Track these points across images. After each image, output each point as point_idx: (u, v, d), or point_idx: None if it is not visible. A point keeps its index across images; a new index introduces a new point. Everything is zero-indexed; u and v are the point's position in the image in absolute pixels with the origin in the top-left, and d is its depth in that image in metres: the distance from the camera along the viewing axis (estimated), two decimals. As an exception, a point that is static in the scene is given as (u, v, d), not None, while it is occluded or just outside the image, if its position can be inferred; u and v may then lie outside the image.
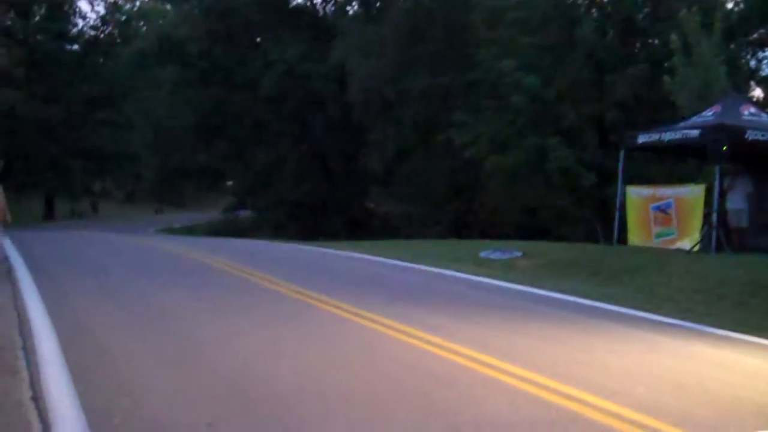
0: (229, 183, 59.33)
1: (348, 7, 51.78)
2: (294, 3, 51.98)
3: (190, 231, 49.78)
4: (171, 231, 48.94)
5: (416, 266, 15.67)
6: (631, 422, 5.04)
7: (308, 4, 51.86)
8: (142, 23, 64.65)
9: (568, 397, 5.61)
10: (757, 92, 33.79)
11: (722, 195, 16.12)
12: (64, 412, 5.04)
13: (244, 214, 53.56)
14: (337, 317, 8.91)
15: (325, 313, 9.19)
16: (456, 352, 6.97)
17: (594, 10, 31.20)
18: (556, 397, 5.63)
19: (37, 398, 5.34)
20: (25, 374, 5.96)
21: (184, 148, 54.45)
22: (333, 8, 51.95)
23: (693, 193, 16.38)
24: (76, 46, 61.93)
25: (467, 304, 10.85)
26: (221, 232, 45.24)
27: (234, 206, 54.24)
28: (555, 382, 6.01)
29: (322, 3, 52.10)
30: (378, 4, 47.09)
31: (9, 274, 12.15)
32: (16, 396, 5.38)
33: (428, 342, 7.41)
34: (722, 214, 15.51)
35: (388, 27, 39.50)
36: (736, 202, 16.04)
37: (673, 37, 20.80)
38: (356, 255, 18.48)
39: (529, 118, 29.19)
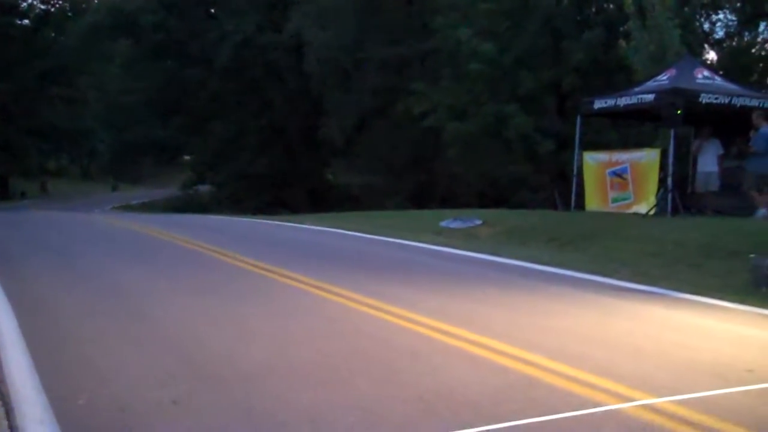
0: (187, 158, 58.82)
1: (303, -24, 51.19)
2: (248, -27, 51.32)
3: (148, 207, 49.36)
4: (128, 208, 48.47)
5: (377, 237, 15.71)
6: (590, 385, 5.10)
7: (263, -27, 51.24)
8: (93, -4, 63.41)
9: (527, 362, 5.67)
10: (711, 55, 34.18)
11: (694, 159, 16.34)
12: (27, 393, 5.00)
13: (204, 189, 53.13)
14: (299, 290, 8.90)
15: (287, 287, 9.18)
16: (417, 322, 7.01)
17: (549, -24, 31.19)
18: (515, 362, 5.68)
19: (0, 382, 5.28)
20: (-17, 358, 5.89)
21: (140, 123, 53.85)
22: (288, -22, 51.36)
23: (648, 158, 16.55)
24: (26, 21, 60.72)
25: (427, 274, 10.90)
26: (180, 208, 44.94)
27: (193, 181, 53.76)
28: (514, 347, 6.07)
29: (276, -28, 51.51)
30: (333, -27, 46.63)
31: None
32: (-26, 380, 5.32)
33: (390, 313, 7.44)
34: (678, 177, 15.71)
35: (343, -4, 39.22)
36: (706, 164, 16.20)
37: (628, 1, 20.94)
38: (317, 228, 18.48)
39: (487, 86, 29.28)
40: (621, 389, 5.03)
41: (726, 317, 7.83)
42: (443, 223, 17.09)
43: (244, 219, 24.40)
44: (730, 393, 5.05)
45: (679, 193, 15.48)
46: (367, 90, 38.31)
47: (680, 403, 4.76)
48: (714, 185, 16.16)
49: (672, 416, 4.55)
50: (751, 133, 14.74)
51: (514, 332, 6.70)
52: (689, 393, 4.96)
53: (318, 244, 15.18)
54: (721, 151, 16.18)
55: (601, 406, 4.70)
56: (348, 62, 38.47)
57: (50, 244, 15.07)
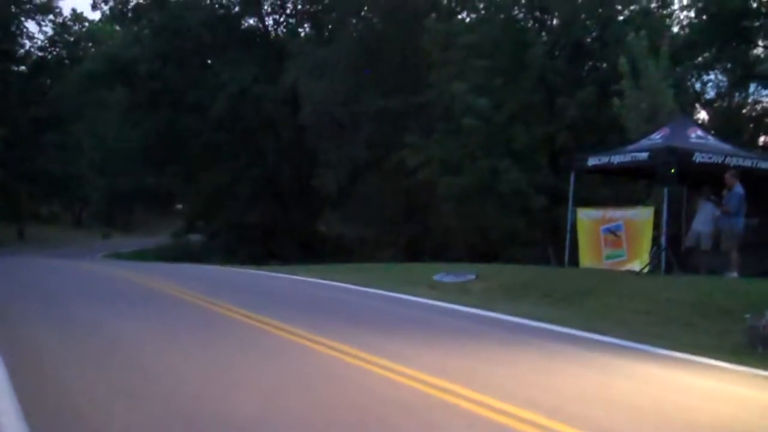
0: (180, 206, 58.76)
1: (300, 29, 51.84)
2: (245, 25, 51.94)
3: (139, 256, 49.11)
4: (119, 256, 48.24)
5: (371, 290, 15.64)
6: (590, 447, 5.04)
7: (260, 26, 51.86)
8: (90, 44, 63.98)
9: (525, 421, 5.61)
10: (702, 114, 34.59)
11: (688, 216, 16.37)
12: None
13: (195, 238, 52.99)
14: (293, 344, 8.82)
15: (281, 340, 9.10)
16: (414, 378, 6.93)
17: (544, 34, 31.65)
18: (514, 421, 5.62)
19: (-13, 432, 5.19)
20: (-28, 408, 5.79)
21: (134, 171, 53.93)
22: (284, 30, 51.97)
23: (642, 216, 16.61)
24: (23, 67, 61.08)
25: (423, 329, 10.83)
26: (171, 257, 44.74)
27: (184, 230, 53.63)
28: (512, 406, 6.00)
29: (273, 25, 52.19)
30: (330, 27, 47.23)
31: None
32: (-37, 430, 5.22)
33: (386, 368, 7.36)
34: (671, 235, 15.74)
35: (340, 49, 39.62)
36: (700, 223, 16.18)
37: (622, 60, 21.23)
38: (310, 279, 18.42)
39: (481, 140, 29.45)
40: (622, 451, 4.97)
41: (724, 378, 7.79)
42: (437, 277, 17.05)
43: (236, 269, 24.31)
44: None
45: (673, 252, 15.50)
46: (361, 142, 38.49)
47: (682, 466, 4.71)
48: (706, 245, 16.17)
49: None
50: (724, 193, 14.87)
51: (513, 390, 6.63)
52: (690, 456, 4.91)
53: (312, 297, 15.10)
54: (717, 212, 16.22)
55: (603, 467, 4.64)
56: (343, 115, 38.70)
57: (42, 291, 14.95)
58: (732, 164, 15.69)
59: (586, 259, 17.45)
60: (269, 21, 51.97)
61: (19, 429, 5.24)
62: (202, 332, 9.67)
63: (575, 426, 5.48)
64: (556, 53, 31.62)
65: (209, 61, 50.28)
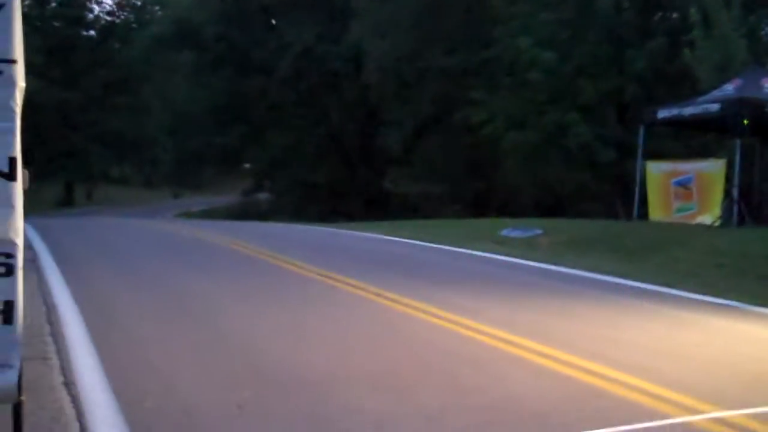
0: (247, 166, 59.39)
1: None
2: (309, -16, 51.77)
3: (208, 215, 49.97)
4: (189, 215, 49.15)
5: (437, 246, 15.69)
6: (659, 398, 5.04)
7: (323, -16, 51.65)
8: (157, 8, 64.61)
9: (594, 373, 5.63)
10: (778, 64, 33.47)
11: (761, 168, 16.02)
12: (96, 396, 5.10)
13: (263, 197, 53.60)
14: (360, 298, 8.95)
15: (348, 295, 9.23)
16: (479, 331, 6.99)
17: (612, -16, 30.89)
18: (582, 373, 5.64)
19: (69, 383, 5.40)
20: (55, 360, 6.03)
21: (202, 132, 54.55)
22: (348, -12, 51.69)
23: (714, 168, 16.30)
24: (92, 32, 62.11)
25: (489, 283, 10.86)
26: (240, 215, 45.37)
27: (252, 189, 54.28)
28: (579, 359, 6.02)
29: (337, -17, 51.86)
30: (393, -16, 46.81)
31: (33, 262, 12.25)
32: (48, 381, 5.45)
33: (451, 321, 7.44)
34: (744, 187, 15.42)
35: (403, 6, 39.28)
36: None
37: (693, 10, 20.67)
38: (377, 236, 18.53)
39: (547, 95, 29.06)
40: (690, 402, 4.96)
41: (796, 331, 7.68)
42: (503, 232, 17.01)
43: (303, 226, 24.57)
44: (802, 407, 4.95)
45: (745, 204, 15.19)
46: (425, 99, 38.31)
47: (752, 417, 4.68)
48: None
49: (743, 430, 4.48)
50: None
51: (580, 343, 6.64)
52: (761, 406, 4.88)
53: (380, 253, 15.21)
54: None
55: (670, 418, 4.64)
56: (406, 72, 38.52)
57: (116, 249, 15.35)
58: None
59: (655, 212, 17.22)
60: (333, -21, 51.78)
61: (98, 382, 5.44)
62: (271, 287, 9.86)
63: (643, 378, 5.47)
64: (625, 4, 30.88)
65: (273, 22, 50.45)
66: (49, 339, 6.71)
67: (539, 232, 16.56)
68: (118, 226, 24.26)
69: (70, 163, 54.90)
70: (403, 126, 39.90)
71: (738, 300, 9.16)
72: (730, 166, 15.60)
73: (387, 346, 6.61)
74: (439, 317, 7.66)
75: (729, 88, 16.40)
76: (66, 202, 56.47)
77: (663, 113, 17.35)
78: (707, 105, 16.14)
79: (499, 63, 32.13)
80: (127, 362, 6.00)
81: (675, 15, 29.68)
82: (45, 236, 16.17)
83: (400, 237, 17.74)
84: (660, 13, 31.56)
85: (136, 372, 5.72)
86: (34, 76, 50.17)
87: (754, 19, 25.64)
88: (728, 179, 15.48)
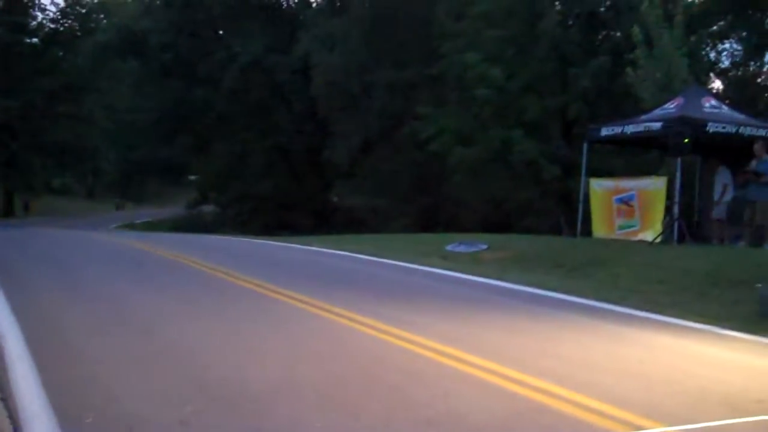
0: (192, 178, 58.91)
1: (312, 0, 51.62)
2: (257, -5, 51.71)
3: (152, 227, 49.37)
4: (132, 227, 48.48)
5: (383, 260, 15.70)
6: (599, 413, 5.08)
7: (272, -4, 51.63)
8: (102, 16, 63.83)
9: (536, 389, 5.66)
10: (717, 84, 34.31)
11: (701, 186, 16.33)
12: (35, 411, 4.98)
13: (208, 209, 53.17)
14: (306, 312, 8.89)
15: (294, 309, 9.17)
16: (425, 346, 6.99)
17: (557, 3, 31.40)
18: (525, 389, 5.66)
19: (6, 398, 5.26)
20: (-9, 375, 5.88)
21: (146, 143, 54.03)
22: (297, 1, 51.75)
23: (655, 186, 16.56)
24: (35, 39, 61.01)
25: (435, 298, 10.88)
26: (184, 228, 44.97)
27: (197, 201, 53.81)
28: (523, 374, 6.05)
29: (285, -5, 51.93)
30: (342, -3, 47.00)
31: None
32: (-17, 397, 5.30)
33: (397, 336, 7.43)
34: (684, 205, 15.71)
35: (352, 20, 39.44)
36: (717, 194, 16.17)
37: (635, 29, 21.04)
38: (323, 250, 18.49)
39: (494, 111, 29.36)
40: (631, 417, 5.02)
41: (735, 347, 7.81)
42: (449, 247, 17.08)
43: (249, 240, 24.41)
44: (740, 423, 5.03)
45: (685, 222, 15.48)
46: (373, 113, 38.45)
47: (691, 432, 4.75)
48: (720, 213, 16.14)
49: (684, 446, 4.53)
50: (753, 163, 14.73)
51: (524, 359, 6.68)
52: (699, 422, 4.95)
53: (325, 266, 15.18)
54: (726, 181, 16.16)
55: (613, 434, 4.68)
56: (355, 85, 38.62)
57: (57, 261, 15.07)
58: (746, 134, 15.62)
59: (598, 229, 17.45)
60: (281, -9, 51.79)
61: (35, 394, 5.31)
62: (216, 301, 9.76)
63: (585, 393, 5.52)
64: (569, 22, 31.38)
65: (221, 32, 50.24)
66: (-14, 354, 6.54)
67: (484, 247, 16.67)
68: (59, 237, 23.82)
69: (10, 173, 53.72)
70: (350, 139, 39.95)
71: (679, 317, 9.30)
72: (671, 184, 15.87)
73: (333, 360, 6.57)
74: (385, 332, 7.65)
75: (670, 107, 16.71)
76: (5, 213, 55.22)
77: (606, 131, 17.59)
78: (649, 123, 16.41)
79: (447, 78, 32.39)
80: (68, 376, 5.87)
81: (618, 34, 30.22)
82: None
83: (346, 251, 17.72)
84: (604, 32, 32.13)
85: (77, 386, 5.59)
86: (-26, 83, 49.30)
87: (694, 39, 26.24)
88: (669, 197, 15.75)
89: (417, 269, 14.33)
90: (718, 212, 16.10)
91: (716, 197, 16.04)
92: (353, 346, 7.23)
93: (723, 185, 16.05)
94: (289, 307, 9.33)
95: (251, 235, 30.89)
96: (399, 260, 15.50)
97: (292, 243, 21.44)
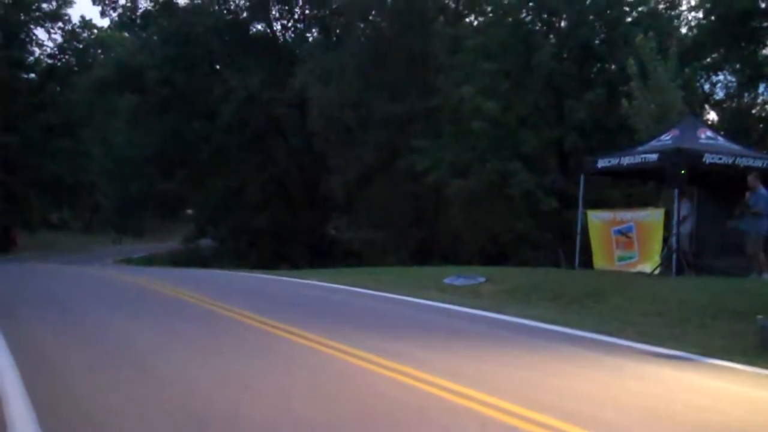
0: (189, 212, 58.88)
1: (308, 34, 51.94)
2: (254, 30, 52.06)
3: (149, 261, 49.24)
4: (129, 262, 48.36)
5: (381, 294, 15.66)
6: (602, 449, 5.04)
7: (268, 31, 51.96)
8: (99, 51, 64.20)
9: (538, 423, 5.61)
10: (712, 115, 34.50)
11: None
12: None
13: (205, 243, 53.08)
14: (304, 347, 8.83)
15: (292, 344, 9.11)
16: (425, 381, 6.94)
17: (552, 36, 31.63)
18: (526, 423, 5.62)
19: (1, 437, 5.22)
20: (-14, 413, 5.82)
21: (143, 177, 54.02)
22: (293, 35, 52.08)
23: (652, 217, 16.58)
24: (33, 75, 61.33)
25: (433, 331, 10.84)
26: (182, 262, 44.85)
27: (194, 235, 53.71)
28: (524, 408, 6.00)
29: (281, 30, 52.27)
30: (338, 31, 47.32)
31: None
32: (-22, 436, 5.25)
33: (397, 371, 7.37)
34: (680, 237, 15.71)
35: (348, 54, 39.68)
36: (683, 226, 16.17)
37: (630, 62, 21.20)
38: (321, 283, 18.44)
39: (490, 143, 29.45)
40: (634, 452, 4.97)
41: (735, 379, 7.77)
42: (447, 280, 17.05)
43: (247, 274, 24.34)
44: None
45: (683, 253, 15.47)
46: (369, 146, 38.53)
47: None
48: (684, 245, 15.97)
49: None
50: (747, 195, 14.78)
51: (525, 393, 6.63)
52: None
53: (323, 301, 15.12)
54: (685, 212, 16.11)
55: (616, 469, 4.64)
56: (351, 119, 38.76)
57: (54, 298, 14.99)
58: (742, 165, 15.67)
59: (599, 260, 17.44)
60: (277, 26, 52.15)
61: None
62: (214, 337, 9.69)
63: (587, 428, 5.48)
64: (564, 55, 31.58)
65: (218, 67, 50.47)
66: (-18, 392, 6.48)
67: (482, 280, 16.63)
68: (57, 272, 23.75)
69: (7, 208, 53.64)
70: (347, 172, 40.01)
71: (678, 349, 9.27)
72: (668, 215, 15.88)
73: (330, 395, 6.52)
74: (383, 366, 7.59)
75: (666, 139, 16.78)
76: (3, 247, 54.98)
77: (602, 163, 17.64)
78: (646, 155, 16.46)
79: (443, 111, 32.53)
80: (64, 415, 5.81)
81: (613, 66, 30.42)
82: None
83: (343, 284, 17.68)
84: (598, 65, 32.34)
85: (74, 425, 5.54)
86: (-28, 118, 49.37)
87: (689, 71, 26.43)
88: (667, 228, 15.75)
89: (415, 302, 14.28)
90: (683, 242, 15.94)
91: (674, 229, 15.78)
92: (351, 380, 7.18)
93: (683, 216, 15.97)
94: (286, 341, 9.27)
95: (248, 268, 30.83)
96: (397, 293, 15.46)
97: (289, 277, 21.39)
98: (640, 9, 31.43)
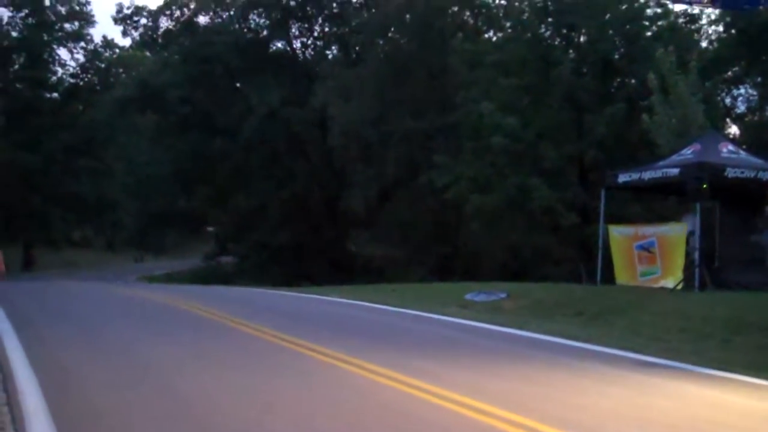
0: (211, 229, 59.15)
1: (327, 52, 52.21)
2: (273, 48, 52.39)
3: (171, 279, 49.46)
4: (152, 279, 48.58)
5: (402, 310, 15.64)
6: (626, 466, 5.01)
7: (288, 49, 52.29)
8: (121, 70, 64.86)
9: (562, 441, 5.59)
10: (733, 129, 34.31)
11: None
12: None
13: (226, 260, 53.26)
14: (326, 365, 8.84)
15: (314, 361, 9.12)
16: (447, 398, 6.93)
17: (571, 51, 31.58)
18: (550, 442, 5.60)
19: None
20: (10, 430, 5.86)
21: (165, 195, 54.39)
22: (312, 53, 52.37)
23: (675, 231, 16.46)
24: (55, 94, 62.04)
25: (455, 348, 10.82)
26: (203, 279, 45.00)
27: (215, 252, 53.95)
28: (547, 426, 5.98)
29: (301, 48, 52.62)
30: (357, 48, 47.53)
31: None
32: (3, 454, 5.29)
33: (419, 388, 7.36)
34: (705, 251, 15.57)
35: (368, 71, 39.82)
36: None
37: (651, 76, 21.10)
38: (342, 300, 18.44)
39: (510, 159, 29.38)
40: (659, 470, 4.93)
41: (760, 395, 7.71)
42: (468, 296, 16.99)
43: (268, 291, 24.39)
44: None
45: (706, 268, 15.35)
46: (389, 162, 38.59)
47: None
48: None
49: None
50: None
51: (547, 410, 6.60)
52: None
53: (344, 317, 15.12)
54: (690, 228, 15.93)
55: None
56: (371, 135, 38.86)
57: (76, 314, 15.08)
58: (765, 178, 15.56)
59: (621, 276, 17.32)
60: (297, 44, 52.51)
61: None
62: (236, 354, 9.72)
63: (611, 445, 5.45)
64: (584, 70, 31.51)
65: (238, 85, 50.81)
66: (5, 409, 6.54)
67: (504, 295, 16.57)
68: (79, 290, 23.89)
69: (30, 226, 54.10)
70: (367, 188, 40.07)
71: (702, 365, 9.20)
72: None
73: (352, 413, 6.52)
74: (405, 383, 7.58)
75: (688, 153, 16.68)
76: (26, 265, 55.43)
77: (623, 177, 17.56)
78: (667, 169, 16.37)
79: (462, 127, 32.52)
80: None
81: (633, 81, 30.32)
82: (2, 301, 15.86)
83: (364, 301, 17.67)
84: (618, 79, 32.24)
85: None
86: (-4, 138, 49.94)
87: (709, 85, 26.30)
88: (689, 243, 15.64)
89: (436, 319, 14.26)
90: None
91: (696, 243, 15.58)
92: (373, 397, 7.18)
93: (689, 232, 15.82)
94: (307, 359, 9.28)
95: (269, 285, 30.89)
96: (418, 310, 15.44)
97: (310, 293, 21.41)
98: (660, 23, 31.34)
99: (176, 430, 6.00)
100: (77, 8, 60.40)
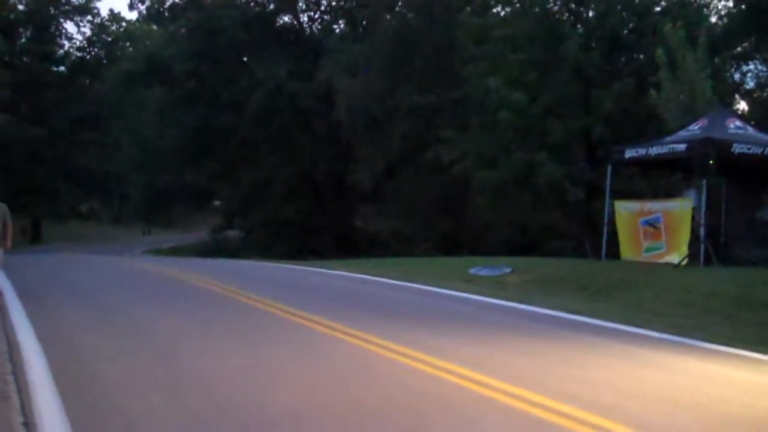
0: (217, 203, 59.24)
1: (334, 26, 51.95)
2: (280, 22, 52.13)
3: (178, 252, 49.61)
4: (159, 252, 48.76)
5: (407, 284, 15.68)
6: (625, 439, 5.03)
7: (294, 23, 52.01)
8: (128, 44, 64.72)
9: (562, 414, 5.60)
10: (742, 105, 34.10)
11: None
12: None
13: (233, 234, 53.38)
14: (329, 337, 8.88)
15: (316, 333, 9.16)
16: (449, 371, 6.96)
17: (579, 26, 31.37)
18: (550, 414, 5.61)
19: (29, 424, 5.29)
20: (15, 400, 5.91)
21: (172, 169, 54.41)
22: (319, 27, 52.13)
23: (681, 207, 16.43)
24: (62, 68, 61.98)
25: (457, 322, 10.84)
26: (209, 252, 45.12)
27: (222, 226, 54.05)
28: (548, 399, 6.00)
29: (308, 22, 52.29)
30: (364, 23, 47.27)
31: (-3, 298, 12.07)
32: (8, 421, 5.33)
33: (421, 361, 7.39)
34: (710, 227, 15.56)
35: (374, 45, 39.63)
36: None
37: (659, 51, 20.97)
38: (347, 274, 18.49)
39: (517, 134, 29.28)
40: (658, 442, 4.96)
41: (762, 370, 7.72)
42: (473, 271, 17.04)
43: (274, 264, 24.46)
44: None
45: (712, 244, 15.33)
46: (396, 137, 38.50)
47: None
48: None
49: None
50: None
51: (549, 383, 6.63)
52: (728, 447, 4.89)
53: (349, 291, 15.17)
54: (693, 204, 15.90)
55: (639, 459, 4.63)
56: (377, 110, 38.75)
57: (82, 286, 15.16)
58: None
59: (626, 251, 17.32)
60: (304, 18, 52.19)
61: (59, 422, 5.33)
62: (238, 326, 9.76)
63: (611, 419, 5.47)
64: (592, 45, 31.28)
65: (245, 59, 50.63)
66: (11, 378, 6.59)
67: (508, 270, 16.61)
68: (85, 263, 24.00)
69: (37, 199, 54.27)
70: (374, 163, 40.02)
71: (705, 340, 9.21)
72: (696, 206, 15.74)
73: (355, 385, 6.55)
74: (409, 356, 7.62)
75: (695, 129, 16.62)
76: (33, 238, 55.67)
77: (630, 153, 17.51)
78: (674, 145, 16.32)
79: (469, 102, 32.39)
80: (90, 403, 5.88)
81: (641, 56, 30.11)
82: (10, 273, 15.92)
83: (369, 275, 17.72)
84: (626, 55, 32.01)
85: (99, 413, 5.61)
86: (3, 111, 50.07)
87: (718, 61, 26.11)
88: (695, 218, 15.61)
89: (441, 293, 14.29)
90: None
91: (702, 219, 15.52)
92: (376, 371, 7.21)
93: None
94: (311, 331, 9.32)
95: (276, 259, 30.98)
96: (423, 284, 15.48)
97: (316, 267, 21.47)
98: (668, -2, 31.09)
99: (180, 399, 6.04)
100: (84, -19, 60.26)
